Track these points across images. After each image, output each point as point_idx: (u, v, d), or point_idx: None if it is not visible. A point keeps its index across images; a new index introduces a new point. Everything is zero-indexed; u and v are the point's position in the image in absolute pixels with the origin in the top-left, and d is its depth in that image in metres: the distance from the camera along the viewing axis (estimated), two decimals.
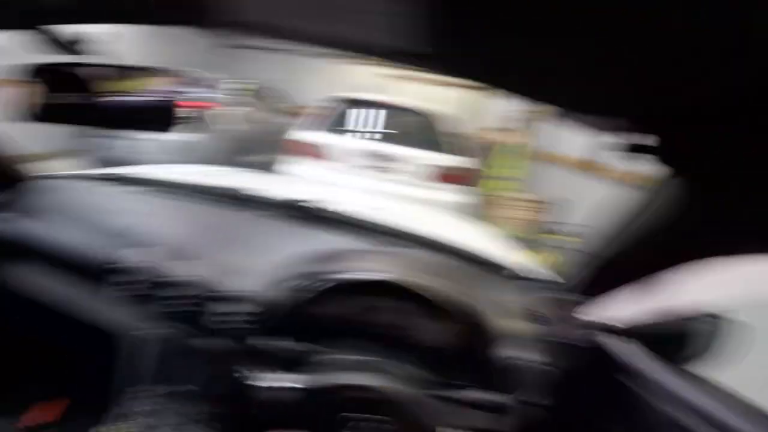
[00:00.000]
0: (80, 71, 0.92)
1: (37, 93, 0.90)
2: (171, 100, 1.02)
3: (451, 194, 4.22)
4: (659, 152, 0.64)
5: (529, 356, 0.99)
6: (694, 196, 0.67)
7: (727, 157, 0.55)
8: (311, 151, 4.27)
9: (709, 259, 0.72)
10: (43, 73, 0.91)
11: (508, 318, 1.05)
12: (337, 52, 0.66)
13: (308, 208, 1.38)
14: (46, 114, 0.93)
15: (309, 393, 0.92)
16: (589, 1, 0.39)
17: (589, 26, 0.42)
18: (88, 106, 0.93)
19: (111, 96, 0.95)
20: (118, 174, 1.62)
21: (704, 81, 0.46)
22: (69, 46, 0.84)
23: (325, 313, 1.04)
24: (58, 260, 1.26)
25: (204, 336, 1.09)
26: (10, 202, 1.42)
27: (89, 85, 0.92)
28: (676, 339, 0.92)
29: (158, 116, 1.01)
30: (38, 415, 1.56)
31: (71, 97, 0.91)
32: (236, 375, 0.97)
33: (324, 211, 1.38)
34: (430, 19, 0.49)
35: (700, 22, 0.38)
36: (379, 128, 4.47)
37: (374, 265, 1.06)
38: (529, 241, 4.87)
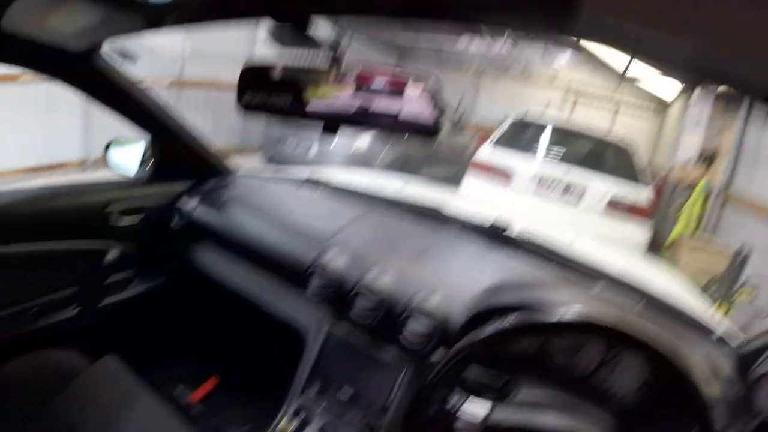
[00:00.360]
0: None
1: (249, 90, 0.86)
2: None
3: (631, 229, 4.05)
4: None
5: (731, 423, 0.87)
6: None
7: None
8: (496, 172, 4.31)
9: None
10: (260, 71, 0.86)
11: (712, 380, 0.93)
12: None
13: (503, 233, 1.34)
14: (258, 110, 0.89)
15: (499, 428, 0.83)
16: None
17: None
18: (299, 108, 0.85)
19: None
20: (316, 178, 1.67)
21: None
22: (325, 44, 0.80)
23: (516, 346, 0.97)
24: (252, 253, 1.32)
25: (389, 347, 1.08)
26: (212, 192, 1.51)
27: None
28: None
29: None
30: (205, 391, 1.68)
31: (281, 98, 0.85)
32: (420, 393, 0.90)
33: (518, 238, 1.33)
34: None
35: None
36: (567, 153, 4.40)
37: (572, 303, 0.94)
38: (705, 289, 4.52)
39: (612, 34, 0.54)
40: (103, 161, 1.52)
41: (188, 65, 5.94)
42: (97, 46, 1.14)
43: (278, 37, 0.79)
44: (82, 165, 5.01)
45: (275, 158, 5.48)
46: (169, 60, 5.61)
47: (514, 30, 0.70)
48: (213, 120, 6.34)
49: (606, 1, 0.47)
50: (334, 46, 0.80)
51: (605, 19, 0.49)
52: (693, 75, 0.56)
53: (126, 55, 3.70)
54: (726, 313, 4.04)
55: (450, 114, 7.15)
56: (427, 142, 1.25)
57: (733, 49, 0.44)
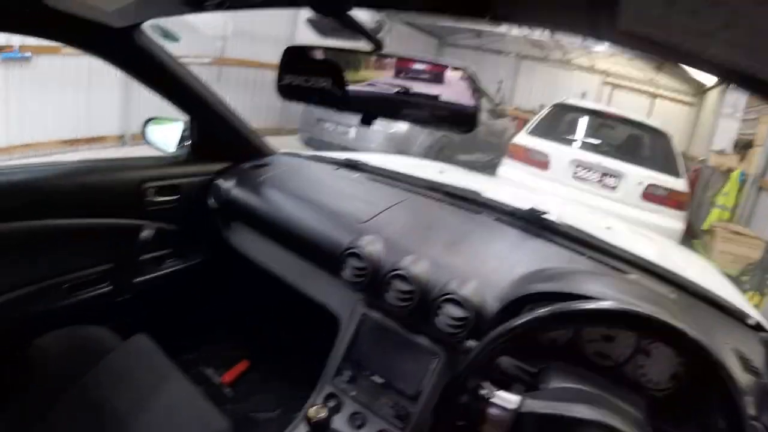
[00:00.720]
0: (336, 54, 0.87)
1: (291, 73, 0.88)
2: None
3: (667, 218, 4.07)
4: None
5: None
6: None
7: None
8: (534, 159, 4.35)
9: None
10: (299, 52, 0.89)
11: (744, 369, 0.94)
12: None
13: (542, 220, 1.32)
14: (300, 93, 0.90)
15: (531, 418, 0.82)
16: None
17: None
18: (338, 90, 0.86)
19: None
20: (355, 160, 1.65)
21: None
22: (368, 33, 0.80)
23: (549, 335, 0.97)
24: (289, 235, 1.29)
25: (423, 334, 1.08)
26: (249, 172, 1.48)
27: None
28: None
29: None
30: (236, 373, 1.67)
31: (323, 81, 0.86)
32: (453, 381, 0.89)
33: (556, 225, 1.32)
34: None
35: None
36: (605, 141, 4.43)
37: (609, 292, 0.92)
38: (736, 278, 4.55)
39: (648, 42, 0.57)
40: (141, 137, 1.52)
41: (229, 44, 6.00)
42: (139, 24, 1.14)
43: (319, 27, 0.81)
44: (121, 140, 5.11)
45: (313, 140, 5.53)
46: (210, 39, 5.69)
47: (556, 30, 0.73)
48: (252, 100, 6.46)
49: (644, 9, 0.49)
50: (375, 31, 0.81)
51: (643, 29, 0.52)
52: (729, 78, 0.58)
53: (168, 34, 3.81)
54: (761, 300, 4.07)
55: (489, 99, 7.11)
56: (465, 128, 1.16)
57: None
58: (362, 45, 0.84)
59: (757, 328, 1.14)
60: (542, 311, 0.78)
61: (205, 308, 1.69)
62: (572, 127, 4.54)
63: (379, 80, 0.89)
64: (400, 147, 5.04)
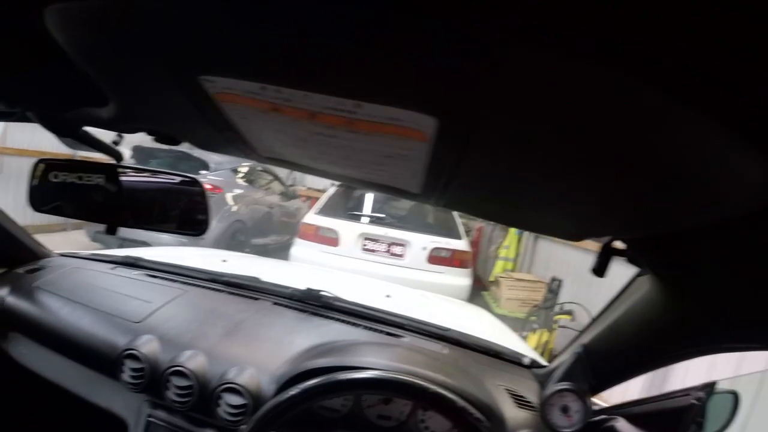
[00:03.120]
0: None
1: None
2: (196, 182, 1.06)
3: (454, 276, 4.43)
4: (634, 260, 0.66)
5: None
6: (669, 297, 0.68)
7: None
8: (324, 236, 4.46)
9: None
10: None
11: (519, 406, 1.06)
12: None
13: (318, 298, 1.39)
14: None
15: None
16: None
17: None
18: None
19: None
20: (134, 257, 1.64)
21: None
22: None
23: (330, 408, 1.05)
24: (66, 341, 1.26)
25: (209, 426, 1.08)
26: (24, 278, 1.43)
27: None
28: (676, 414, 0.89)
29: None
30: None
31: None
32: None
33: (331, 301, 1.39)
34: None
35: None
36: (388, 213, 4.72)
37: (380, 361, 1.00)
38: (525, 320, 5.04)
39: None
40: None
41: (9, 132, 5.61)
42: None
43: (64, 141, 0.85)
44: None
45: (100, 235, 5.03)
46: None
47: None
48: None
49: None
50: (116, 143, 0.92)
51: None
52: None
53: None
54: (550, 336, 4.52)
55: (281, 181, 7.24)
56: (197, 232, 1.24)
57: None
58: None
59: (532, 366, 1.26)
60: (301, 387, 0.85)
61: None
62: (359, 204, 4.79)
63: (125, 189, 0.95)
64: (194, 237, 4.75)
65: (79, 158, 1.03)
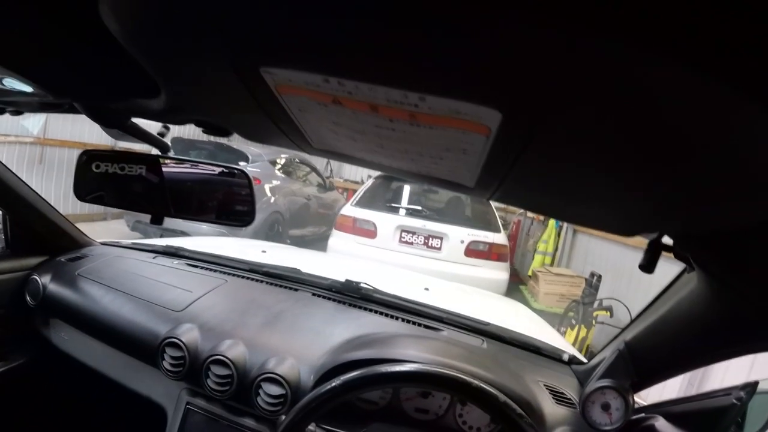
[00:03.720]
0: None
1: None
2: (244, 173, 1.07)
3: (491, 270, 4.37)
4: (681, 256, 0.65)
5: None
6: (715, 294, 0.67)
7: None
8: (361, 228, 4.48)
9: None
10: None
11: (558, 403, 1.05)
12: None
13: (357, 290, 1.40)
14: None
15: None
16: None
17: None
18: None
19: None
20: (175, 247, 1.67)
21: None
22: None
23: (370, 401, 1.06)
24: (107, 330, 1.27)
25: (248, 415, 1.10)
26: (66, 266, 1.46)
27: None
28: (716, 414, 0.87)
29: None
30: None
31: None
32: None
33: (371, 293, 1.40)
34: None
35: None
36: (426, 206, 4.69)
37: (421, 354, 0.99)
38: (563, 316, 4.96)
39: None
40: None
41: (51, 124, 5.66)
42: None
43: (109, 133, 0.85)
44: None
45: (140, 225, 5.18)
46: (32, 118, 5.31)
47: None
48: None
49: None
50: (162, 135, 0.92)
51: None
52: None
53: None
54: (587, 332, 4.43)
55: (319, 173, 7.30)
56: (243, 223, 1.09)
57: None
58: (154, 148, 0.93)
59: (572, 362, 1.25)
60: (340, 380, 0.85)
61: (33, 409, 1.57)
62: (396, 196, 4.78)
63: (168, 180, 0.97)
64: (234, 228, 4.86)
65: (120, 149, 1.06)
